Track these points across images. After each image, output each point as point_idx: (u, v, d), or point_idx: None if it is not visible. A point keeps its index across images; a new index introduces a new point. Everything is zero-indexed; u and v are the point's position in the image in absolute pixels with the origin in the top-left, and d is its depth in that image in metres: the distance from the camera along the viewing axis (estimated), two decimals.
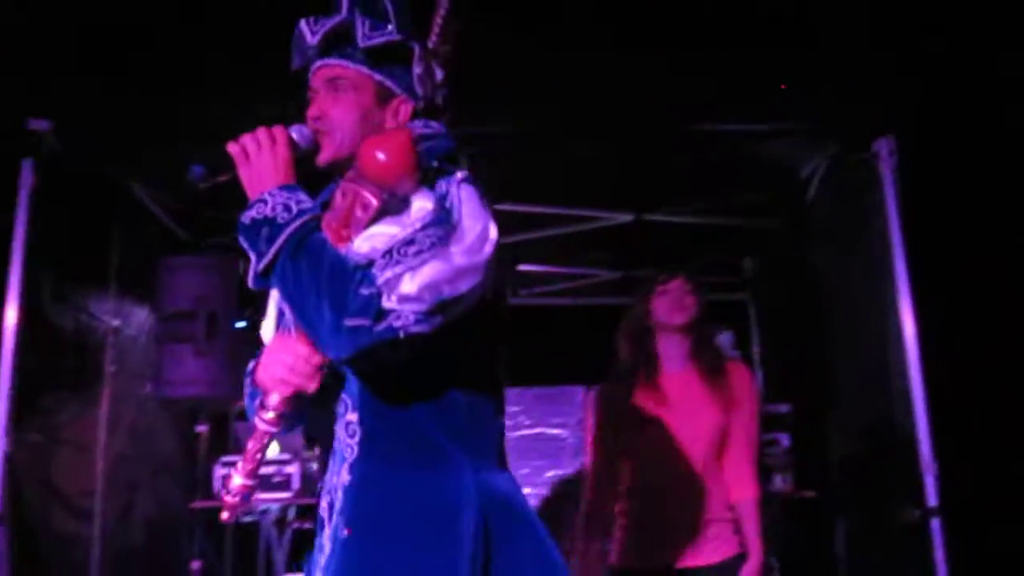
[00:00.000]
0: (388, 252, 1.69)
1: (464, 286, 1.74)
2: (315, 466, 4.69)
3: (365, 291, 1.67)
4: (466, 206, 1.80)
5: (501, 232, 6.18)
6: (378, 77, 1.94)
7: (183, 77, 4.51)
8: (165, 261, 5.13)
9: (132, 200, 5.31)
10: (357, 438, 1.79)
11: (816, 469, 4.93)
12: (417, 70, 1.93)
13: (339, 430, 1.82)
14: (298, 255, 1.72)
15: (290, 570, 4.97)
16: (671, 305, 3.35)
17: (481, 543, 1.72)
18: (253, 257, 1.77)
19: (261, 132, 1.85)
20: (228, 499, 1.86)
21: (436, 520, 1.73)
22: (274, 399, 1.79)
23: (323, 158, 1.89)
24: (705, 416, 3.22)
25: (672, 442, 3.18)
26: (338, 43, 1.93)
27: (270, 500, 4.65)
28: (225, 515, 1.88)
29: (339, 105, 1.91)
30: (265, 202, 1.77)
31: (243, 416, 5.37)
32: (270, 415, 1.80)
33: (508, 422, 4.53)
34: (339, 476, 1.79)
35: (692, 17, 4.23)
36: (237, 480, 1.86)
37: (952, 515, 3.87)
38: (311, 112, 1.92)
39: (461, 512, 1.73)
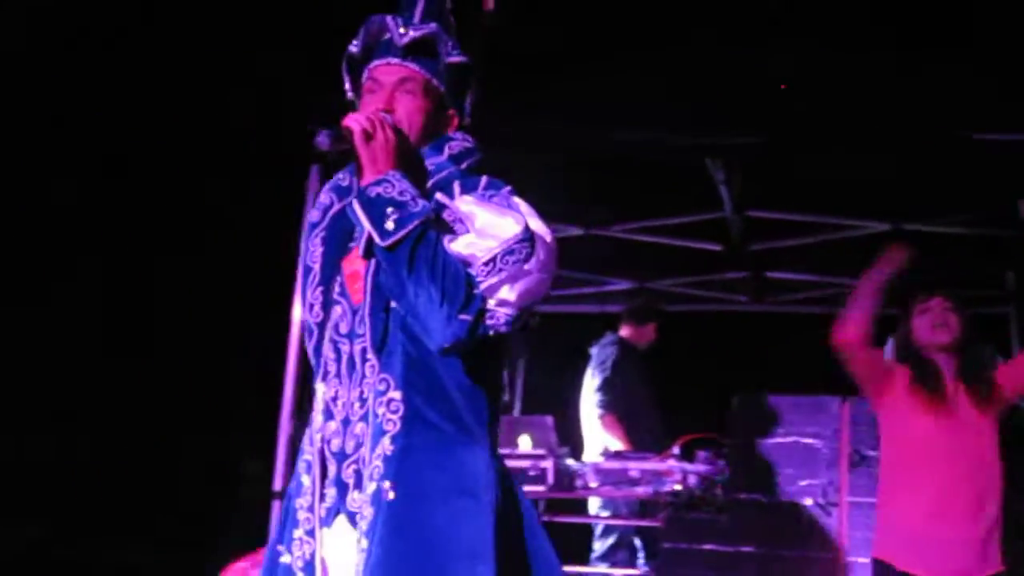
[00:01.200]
0: (492, 260, 1.87)
1: (541, 295, 1.94)
2: (569, 461, 4.85)
3: (474, 291, 1.86)
4: (533, 221, 1.96)
5: (756, 239, 6.16)
6: (443, 90, 2.10)
7: None
8: None
9: None
10: (400, 414, 1.93)
11: None
12: (471, 96, 2.13)
13: (377, 406, 1.94)
14: (421, 244, 1.87)
15: None
16: (932, 324, 3.28)
17: (499, 519, 1.90)
18: (372, 229, 1.90)
19: (374, 114, 1.98)
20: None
21: (470, 491, 1.90)
22: None
23: (382, 140, 1.99)
24: (978, 425, 3.15)
25: (950, 447, 3.14)
26: (417, 50, 2.08)
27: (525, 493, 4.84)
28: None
29: (409, 105, 2.06)
30: (391, 183, 1.92)
31: (501, 412, 5.60)
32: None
33: (761, 429, 4.57)
34: (377, 446, 1.92)
35: (970, 20, 4.14)
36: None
37: None
38: (379, 104, 2.05)
39: (489, 489, 1.91)
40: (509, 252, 1.88)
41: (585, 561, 5.35)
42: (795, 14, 4.31)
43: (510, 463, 4.74)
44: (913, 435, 3.22)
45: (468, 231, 1.94)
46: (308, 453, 2.05)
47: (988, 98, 4.39)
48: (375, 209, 1.90)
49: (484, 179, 2.04)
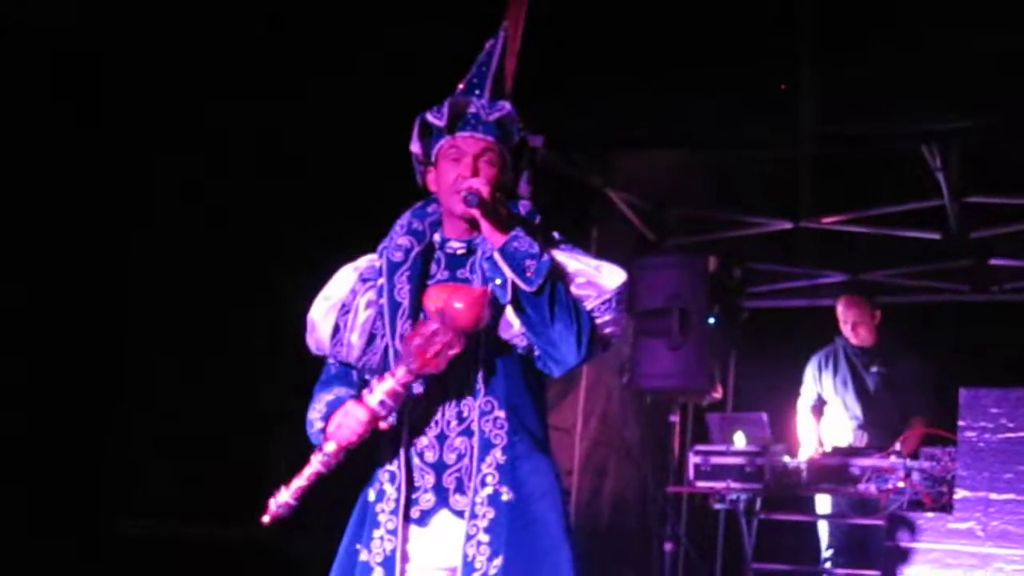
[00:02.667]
0: (608, 301, 2.33)
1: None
2: (785, 459, 4.80)
3: (594, 325, 2.31)
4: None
5: (977, 226, 5.96)
6: (509, 160, 2.44)
7: (651, 92, 4.84)
8: (638, 261, 5.47)
9: (607, 204, 5.73)
10: (505, 429, 2.34)
11: None
12: (528, 172, 2.56)
13: (483, 424, 2.34)
14: (556, 288, 2.29)
15: (756, 558, 5.13)
16: None
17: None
18: (517, 278, 2.29)
19: (490, 183, 2.33)
20: (272, 509, 2.31)
21: (555, 489, 2.37)
22: (331, 447, 2.31)
23: (503, 202, 2.38)
24: None
25: None
26: (498, 126, 2.42)
27: (741, 489, 4.83)
28: (266, 519, 2.32)
29: (489, 173, 2.38)
30: (520, 239, 2.31)
31: (714, 408, 5.60)
32: (324, 459, 2.31)
33: (988, 424, 4.39)
34: (487, 456, 2.33)
35: None
36: (284, 496, 2.30)
37: None
38: (465, 171, 2.37)
39: (560, 481, 2.40)
40: (619, 295, 2.35)
41: (802, 560, 5.27)
42: None
43: (726, 460, 4.82)
44: None
45: (572, 276, 2.36)
46: (392, 465, 2.40)
47: None
48: (515, 262, 2.30)
49: (555, 234, 2.45)
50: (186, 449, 5.61)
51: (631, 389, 5.52)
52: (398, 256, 2.44)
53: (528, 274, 2.28)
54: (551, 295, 2.28)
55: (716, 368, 5.50)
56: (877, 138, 4.69)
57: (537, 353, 2.35)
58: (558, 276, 2.32)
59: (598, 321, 2.33)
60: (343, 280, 2.51)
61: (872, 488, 4.65)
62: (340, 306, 2.47)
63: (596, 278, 2.37)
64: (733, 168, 5.62)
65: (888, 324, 5.72)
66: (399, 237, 2.46)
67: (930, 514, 4.40)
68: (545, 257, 2.30)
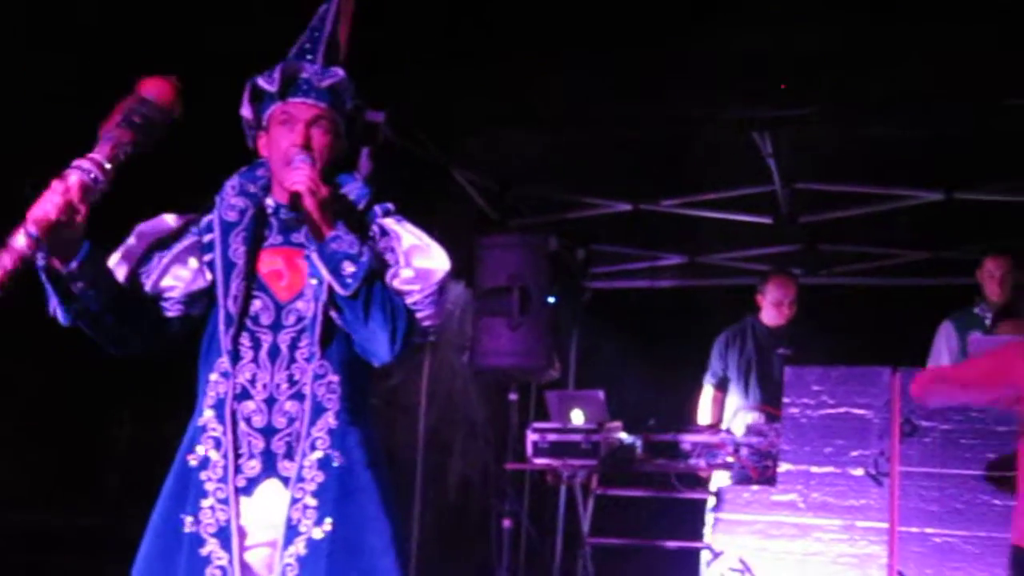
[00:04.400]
0: (430, 295, 2.34)
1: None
2: (621, 436, 4.90)
3: (413, 318, 2.32)
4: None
5: (807, 211, 6.14)
6: (343, 127, 2.43)
7: (496, 72, 4.86)
8: (480, 240, 5.48)
9: (450, 183, 5.73)
10: (339, 394, 2.33)
11: None
12: (369, 149, 2.59)
13: (316, 388, 2.32)
14: (373, 289, 2.28)
15: (592, 533, 5.22)
16: None
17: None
18: (334, 280, 2.29)
19: (315, 172, 2.30)
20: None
21: (382, 460, 2.38)
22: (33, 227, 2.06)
23: (324, 195, 2.33)
24: None
25: None
26: (329, 92, 2.40)
27: (578, 466, 4.91)
28: None
29: (321, 140, 2.37)
30: (341, 239, 2.30)
31: (555, 386, 5.67)
32: (25, 239, 2.04)
33: (811, 401, 4.58)
34: (319, 420, 2.31)
35: None
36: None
37: None
38: (296, 138, 2.35)
39: (384, 457, 2.40)
40: (440, 288, 2.36)
41: (638, 535, 5.39)
42: None
43: (563, 437, 4.89)
44: None
45: (397, 257, 2.36)
46: (215, 431, 2.33)
47: None
48: (333, 263, 2.30)
49: (391, 204, 2.44)
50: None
51: (472, 368, 5.54)
52: (233, 216, 2.40)
53: (345, 276, 2.27)
54: (367, 298, 2.28)
55: (555, 347, 5.57)
56: (711, 122, 4.80)
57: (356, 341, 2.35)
58: (378, 275, 2.31)
59: (419, 315, 2.34)
60: (165, 220, 2.43)
61: (702, 463, 4.79)
62: (156, 242, 2.39)
63: (426, 261, 2.36)
64: (576, 150, 5.68)
65: (723, 306, 5.90)
66: (232, 198, 2.42)
67: (755, 487, 4.58)
68: (364, 258, 2.28)
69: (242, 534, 2.28)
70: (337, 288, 2.28)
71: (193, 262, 2.39)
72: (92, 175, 2.10)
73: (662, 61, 4.70)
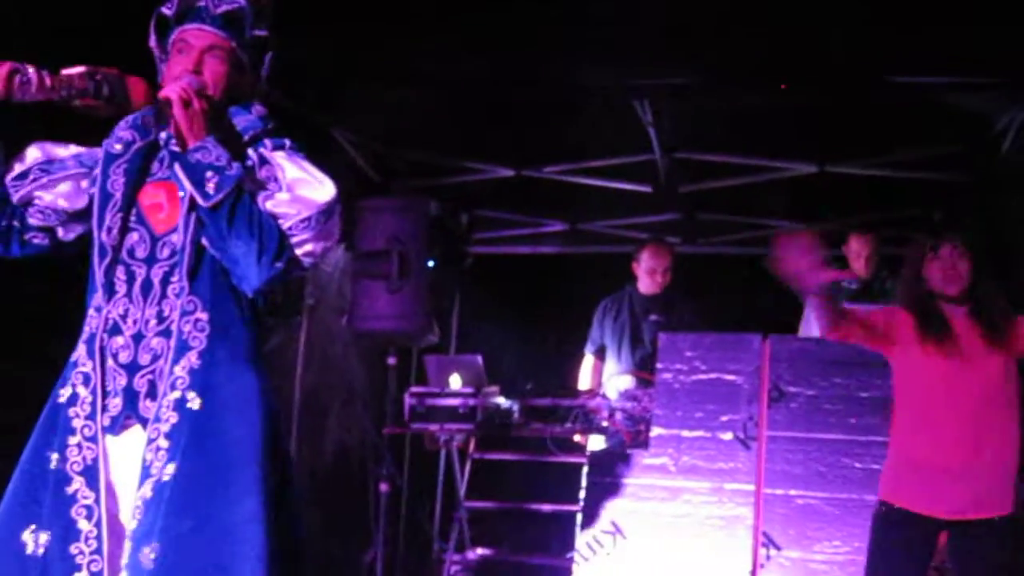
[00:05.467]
0: (308, 219, 2.23)
1: (332, 249, 2.40)
2: (499, 400, 4.92)
3: (286, 242, 2.22)
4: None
5: (682, 181, 6.20)
6: (244, 59, 2.36)
7: (381, 27, 4.78)
8: (361, 202, 5.42)
9: (332, 144, 5.65)
10: (206, 333, 2.24)
11: None
12: (266, 70, 2.41)
13: (182, 324, 2.23)
14: (239, 204, 2.20)
15: (469, 496, 5.25)
16: (943, 274, 3.24)
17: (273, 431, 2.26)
18: (195, 191, 2.21)
19: (189, 84, 2.24)
20: None
21: (257, 405, 2.22)
22: None
23: (197, 108, 2.25)
24: (989, 364, 3.14)
25: (954, 389, 3.14)
26: (227, 20, 2.34)
27: (454, 430, 4.92)
28: None
29: (216, 69, 2.31)
30: (208, 150, 2.21)
31: (435, 350, 5.66)
32: None
33: (683, 367, 4.66)
34: (182, 359, 2.22)
35: None
36: None
37: None
38: (188, 65, 2.29)
39: (268, 404, 2.26)
40: (323, 213, 2.25)
41: (515, 497, 5.44)
42: None
43: (441, 401, 4.89)
44: (919, 377, 3.23)
45: (280, 186, 2.26)
46: (85, 366, 2.26)
47: (909, 41, 4.46)
48: (196, 174, 2.21)
49: (287, 140, 2.33)
50: None
51: (351, 331, 5.49)
52: (117, 148, 2.34)
53: (207, 187, 2.19)
54: (231, 211, 2.19)
55: (436, 312, 5.55)
56: (593, 89, 4.82)
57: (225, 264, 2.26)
58: (247, 191, 2.21)
59: (294, 240, 2.23)
60: (57, 147, 2.38)
61: (577, 427, 4.84)
62: (43, 159, 2.34)
63: (309, 191, 2.25)
64: (461, 114, 5.65)
65: (603, 273, 5.95)
66: (121, 130, 2.35)
67: (628, 451, 4.65)
68: (232, 171, 2.19)
69: (108, 473, 2.21)
70: (198, 199, 2.20)
71: (73, 185, 2.34)
72: (26, 76, 2.15)
73: (548, 28, 4.69)
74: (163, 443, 2.19)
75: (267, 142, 2.32)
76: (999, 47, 4.28)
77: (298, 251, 2.25)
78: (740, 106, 5.20)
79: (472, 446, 5.22)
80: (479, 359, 5.12)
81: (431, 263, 5.38)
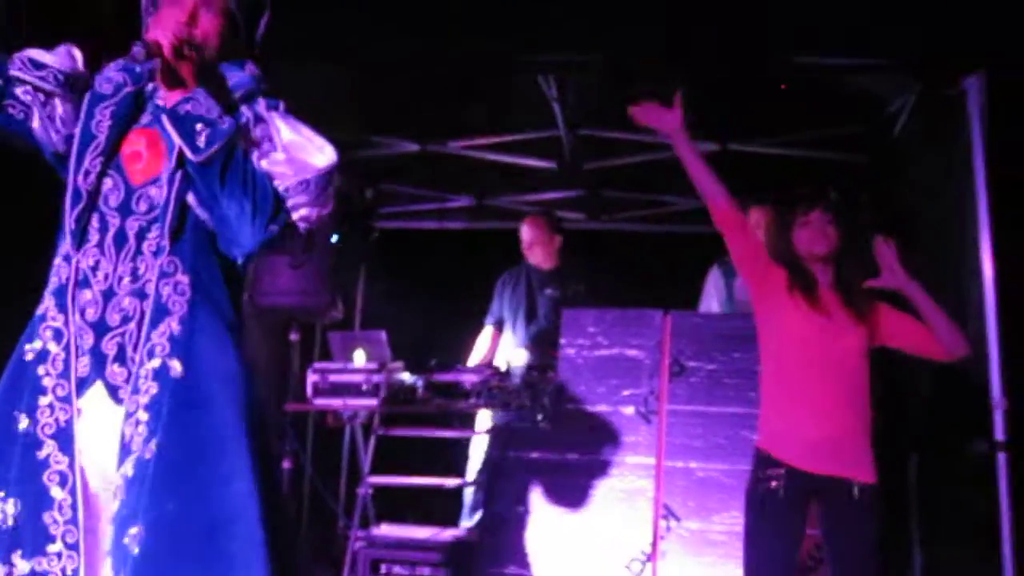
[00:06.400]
0: (305, 182, 2.13)
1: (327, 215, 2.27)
2: (403, 376, 4.90)
3: (282, 204, 2.12)
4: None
5: (587, 158, 6.23)
6: (239, 17, 2.27)
7: (281, 3, 4.69)
8: None
9: None
10: (187, 297, 2.11)
11: (891, 403, 5.01)
12: (263, 28, 2.33)
13: (161, 286, 2.11)
14: (231, 159, 2.07)
15: (373, 472, 5.23)
16: (812, 236, 3.34)
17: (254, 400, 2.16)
18: (184, 144, 2.07)
19: (180, 32, 2.12)
20: None
21: (240, 375, 2.11)
22: None
23: (188, 56, 2.14)
24: (850, 334, 3.27)
25: (822, 346, 3.25)
26: None
27: (358, 406, 4.89)
28: None
29: (210, 24, 2.20)
30: (198, 101, 2.09)
31: (339, 326, 5.62)
32: None
33: (586, 342, 4.71)
34: (161, 324, 2.09)
35: None
36: None
37: (1019, 450, 3.95)
38: (181, 17, 2.17)
39: (248, 374, 2.15)
40: (322, 177, 2.14)
41: (419, 473, 5.44)
42: None
43: (344, 377, 4.86)
44: (786, 333, 3.33)
45: (275, 146, 2.14)
46: (55, 320, 2.12)
47: (809, 20, 4.54)
48: (185, 125, 2.07)
49: (281, 102, 2.22)
50: None
51: (254, 308, 5.41)
52: (106, 88, 2.21)
53: (197, 141, 2.06)
54: (223, 166, 2.06)
55: (339, 287, 5.51)
56: (495, 64, 4.81)
57: (216, 232, 2.14)
58: (243, 146, 2.10)
59: (290, 202, 2.13)
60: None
61: (482, 402, 4.86)
62: (55, 74, 2.19)
63: (305, 155, 2.15)
64: (365, 87, 5.59)
65: (509, 248, 5.97)
66: (112, 71, 2.23)
67: (532, 425, 4.69)
68: (224, 124, 2.07)
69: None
70: (187, 152, 2.07)
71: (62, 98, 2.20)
72: None
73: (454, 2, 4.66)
74: (143, 415, 2.06)
75: (261, 101, 2.22)
76: (895, 30, 4.39)
77: (294, 215, 2.14)
78: (643, 84, 5.23)
79: (376, 422, 5.20)
80: (383, 335, 5.10)
81: (335, 238, 5.33)
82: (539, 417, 4.72)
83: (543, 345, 5.38)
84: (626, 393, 4.57)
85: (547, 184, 6.57)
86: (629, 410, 4.55)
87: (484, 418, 5.34)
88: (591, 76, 5.04)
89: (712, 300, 5.26)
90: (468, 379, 4.87)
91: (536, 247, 5.61)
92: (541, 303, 5.51)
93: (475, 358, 5.62)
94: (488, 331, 5.73)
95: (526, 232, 5.65)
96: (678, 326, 4.61)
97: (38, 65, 2.18)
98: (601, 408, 4.59)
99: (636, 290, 5.56)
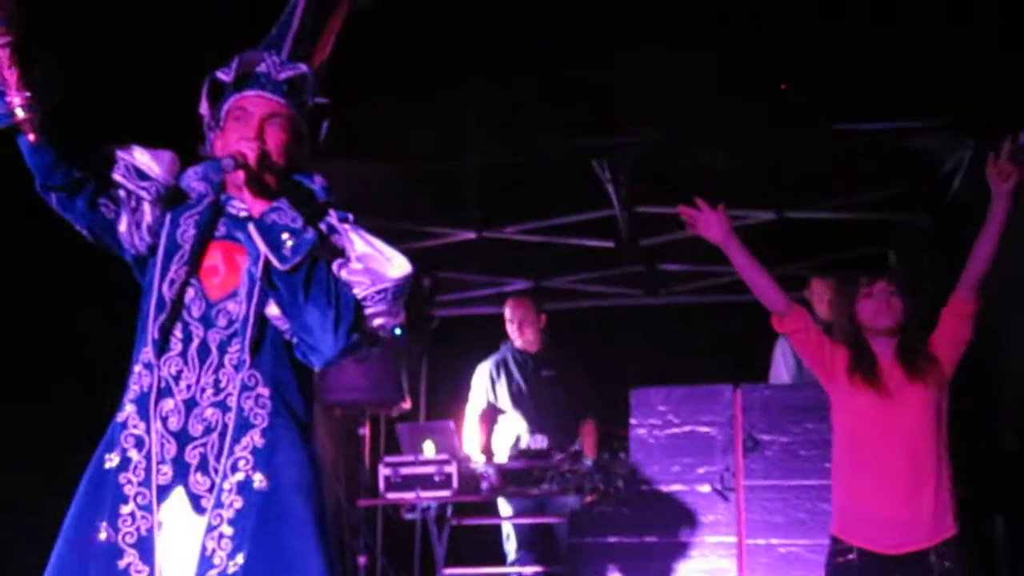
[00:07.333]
0: (384, 291, 2.13)
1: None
2: (474, 465, 4.88)
3: (361, 313, 2.12)
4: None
5: (649, 232, 6.23)
6: (303, 127, 2.29)
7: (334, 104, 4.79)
8: None
9: None
10: (268, 409, 2.13)
11: (973, 465, 4.89)
12: (324, 133, 2.34)
13: (243, 400, 2.12)
14: (315, 269, 2.10)
15: (448, 564, 5.19)
16: (877, 308, 3.33)
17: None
18: (270, 253, 2.10)
19: (260, 146, 2.16)
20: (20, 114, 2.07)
21: (316, 483, 2.14)
22: None
23: (275, 170, 2.20)
24: (916, 401, 3.20)
25: (883, 426, 3.18)
26: (288, 87, 2.26)
27: (430, 498, 4.87)
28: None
29: (276, 138, 2.21)
30: (283, 211, 2.13)
31: (405, 418, 5.61)
32: None
33: (657, 421, 4.66)
34: (244, 438, 2.10)
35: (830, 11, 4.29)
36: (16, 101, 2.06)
37: None
38: (249, 133, 2.19)
39: (320, 477, 2.19)
40: (397, 287, 2.15)
41: (494, 562, 5.38)
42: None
43: (415, 470, 4.85)
44: (854, 415, 3.28)
45: (350, 257, 2.16)
46: (137, 428, 2.13)
47: (852, 87, 4.55)
48: (272, 235, 2.10)
49: (351, 214, 2.24)
50: None
51: (320, 404, 5.44)
52: (190, 196, 2.23)
53: (283, 250, 2.08)
54: (307, 275, 2.08)
55: (405, 379, 5.52)
56: (549, 152, 4.87)
57: (295, 341, 2.14)
58: (323, 256, 2.12)
59: (368, 312, 2.13)
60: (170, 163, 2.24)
61: (555, 488, 4.82)
62: (158, 188, 2.21)
63: (379, 265, 2.16)
64: (416, 180, 5.67)
65: (569, 328, 5.97)
66: (192, 180, 2.22)
67: (608, 508, 4.63)
68: (308, 234, 2.10)
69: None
70: (274, 261, 2.09)
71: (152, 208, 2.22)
72: None
73: (499, 93, 4.74)
74: (227, 529, 2.06)
75: (333, 212, 2.24)
76: (942, 91, 4.39)
77: (372, 323, 2.15)
78: (702, 158, 5.26)
79: (449, 512, 5.17)
80: (451, 424, 5.09)
81: (399, 330, 5.36)
82: (612, 499, 4.67)
83: (557, 427, 5.32)
84: (701, 471, 4.51)
85: (603, 263, 6.59)
86: (705, 488, 4.49)
87: (504, 504, 5.28)
88: (645, 158, 5.08)
89: (782, 371, 5.20)
90: (540, 465, 4.83)
91: (526, 327, 5.57)
92: (540, 385, 5.47)
93: (473, 452, 5.35)
94: (475, 422, 5.56)
95: (514, 313, 5.60)
96: (748, 399, 4.56)
97: (143, 175, 2.21)
98: (676, 488, 4.53)
99: (699, 364, 5.51)
